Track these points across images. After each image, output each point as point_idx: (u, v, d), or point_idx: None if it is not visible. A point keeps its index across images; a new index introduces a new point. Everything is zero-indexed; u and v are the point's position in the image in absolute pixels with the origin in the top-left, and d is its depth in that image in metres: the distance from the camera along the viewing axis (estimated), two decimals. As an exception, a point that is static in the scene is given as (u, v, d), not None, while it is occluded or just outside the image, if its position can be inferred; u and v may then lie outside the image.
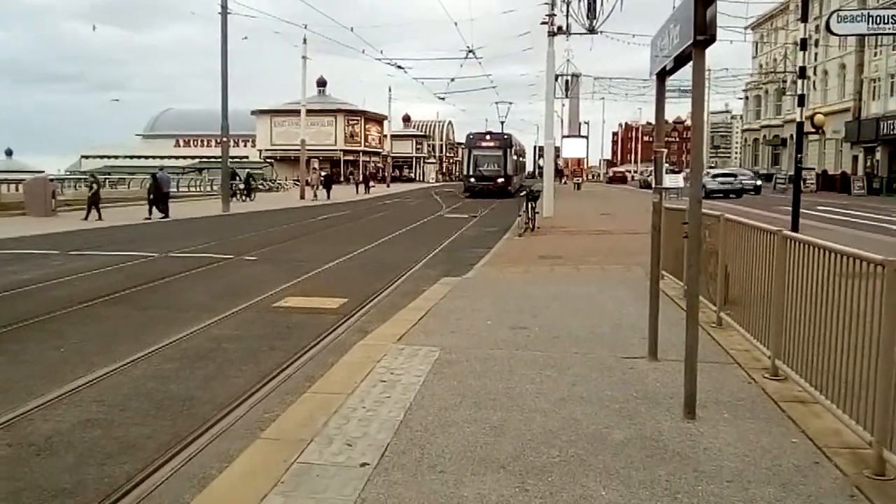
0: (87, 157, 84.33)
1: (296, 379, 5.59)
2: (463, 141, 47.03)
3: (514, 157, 43.38)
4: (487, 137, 42.58)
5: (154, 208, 22.94)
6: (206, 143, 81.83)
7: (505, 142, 42.00)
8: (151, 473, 3.88)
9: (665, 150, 5.70)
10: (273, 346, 6.65)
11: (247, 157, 70.44)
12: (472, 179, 41.11)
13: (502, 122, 50.40)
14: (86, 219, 21.43)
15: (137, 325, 7.58)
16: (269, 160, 69.25)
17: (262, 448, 4.00)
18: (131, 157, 78.62)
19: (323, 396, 4.83)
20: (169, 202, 23.80)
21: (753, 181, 40.96)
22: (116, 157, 79.71)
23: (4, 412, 4.81)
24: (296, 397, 4.93)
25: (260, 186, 51.72)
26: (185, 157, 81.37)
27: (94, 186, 22.77)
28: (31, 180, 26.02)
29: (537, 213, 18.83)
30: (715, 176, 38.16)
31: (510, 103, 51.40)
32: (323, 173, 42.12)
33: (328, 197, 37.39)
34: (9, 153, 62.16)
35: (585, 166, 70.70)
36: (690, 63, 4.37)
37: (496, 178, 40.28)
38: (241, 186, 36.72)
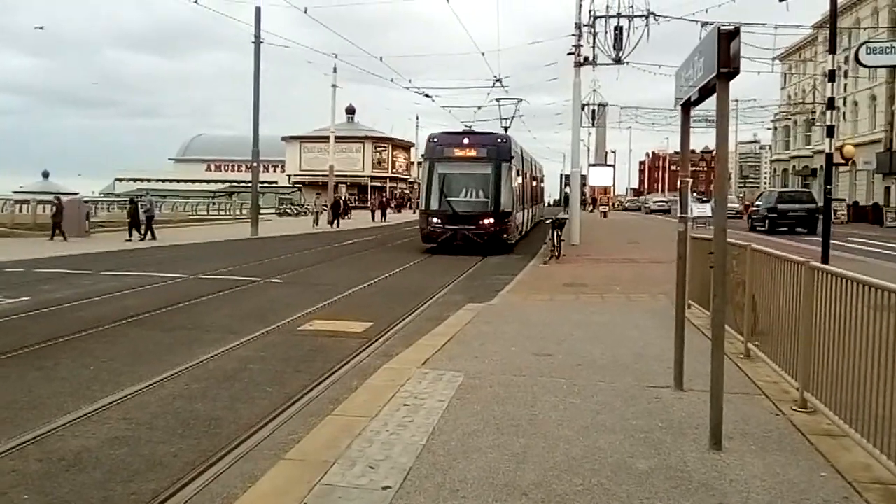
0: (120, 179, 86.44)
1: (320, 401, 5.64)
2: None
3: (518, 179, 23.25)
4: (465, 142, 21.38)
5: (134, 231, 23.32)
6: (236, 168, 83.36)
7: (498, 149, 21.18)
8: (177, 491, 3.94)
9: (690, 180, 5.71)
10: (298, 369, 6.72)
11: (276, 182, 71.72)
12: (435, 219, 20.67)
13: (506, 128, 27.21)
14: (51, 239, 22.07)
15: (164, 345, 7.71)
16: (297, 185, 70.32)
17: (285, 469, 4.04)
18: (163, 180, 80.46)
19: (346, 419, 4.86)
20: (153, 226, 24.04)
21: None
22: (149, 180, 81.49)
23: (37, 427, 4.94)
24: (319, 419, 4.97)
25: (288, 211, 52.78)
26: (215, 182, 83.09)
27: (53, 208, 23.21)
28: (65, 202, 26.69)
29: (563, 240, 18.79)
30: None
31: (518, 100, 28.95)
32: (338, 197, 38.98)
33: (332, 224, 35.01)
34: (45, 175, 63.91)
35: (612, 194, 70.47)
36: (715, 95, 4.40)
37: (480, 216, 20.40)
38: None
